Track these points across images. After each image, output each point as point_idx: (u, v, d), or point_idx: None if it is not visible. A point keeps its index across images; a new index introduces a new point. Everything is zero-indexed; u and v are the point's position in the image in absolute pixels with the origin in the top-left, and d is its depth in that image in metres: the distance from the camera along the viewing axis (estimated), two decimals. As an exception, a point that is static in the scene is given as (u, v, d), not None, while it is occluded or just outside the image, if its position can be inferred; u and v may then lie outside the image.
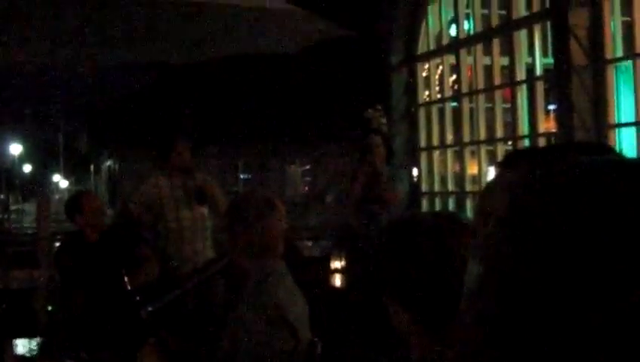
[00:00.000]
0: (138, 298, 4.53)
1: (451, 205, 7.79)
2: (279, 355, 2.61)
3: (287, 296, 2.76)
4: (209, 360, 2.84)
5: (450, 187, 7.91)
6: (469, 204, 7.48)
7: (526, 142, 6.75)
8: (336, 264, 8.53)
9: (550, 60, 6.59)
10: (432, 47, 8.15)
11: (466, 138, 7.61)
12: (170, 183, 5.53)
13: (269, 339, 2.61)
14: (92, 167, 34.88)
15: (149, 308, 2.90)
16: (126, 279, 4.65)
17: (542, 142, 6.60)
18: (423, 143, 8.24)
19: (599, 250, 0.56)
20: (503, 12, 7.18)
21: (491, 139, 7.29)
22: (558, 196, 0.59)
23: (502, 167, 0.79)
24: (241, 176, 24.64)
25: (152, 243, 5.35)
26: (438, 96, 8.21)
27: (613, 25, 5.91)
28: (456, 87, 7.95)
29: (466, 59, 7.65)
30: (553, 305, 0.56)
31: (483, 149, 7.39)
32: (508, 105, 7.12)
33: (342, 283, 8.17)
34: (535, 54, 6.64)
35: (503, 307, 0.59)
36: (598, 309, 0.55)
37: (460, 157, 7.73)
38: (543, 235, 0.58)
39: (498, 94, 7.25)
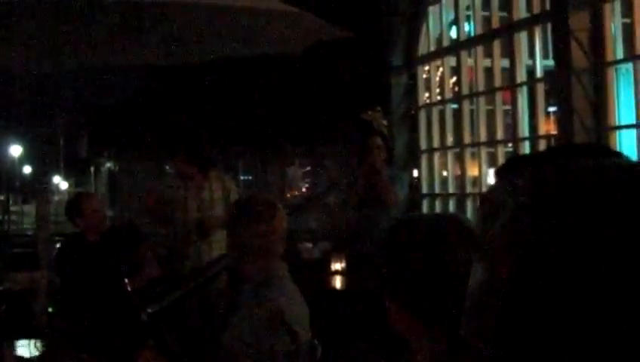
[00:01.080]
0: (138, 300, 4.53)
1: (452, 207, 7.78)
2: (279, 357, 2.61)
3: (287, 298, 2.76)
4: (209, 361, 2.83)
5: (451, 189, 7.90)
6: (469, 206, 7.47)
7: (526, 144, 6.75)
8: (337, 266, 8.53)
9: (550, 62, 6.58)
10: (432, 49, 8.14)
11: (467, 140, 7.60)
12: (184, 184, 5.64)
13: (269, 341, 2.61)
14: (92, 168, 34.84)
15: (150, 310, 2.91)
16: (126, 280, 4.65)
17: (542, 144, 6.59)
18: (423, 145, 8.23)
19: (622, 254, 0.55)
20: (504, 14, 7.17)
21: (492, 141, 7.28)
22: (579, 199, 0.59)
23: (503, 172, 0.76)
24: (242, 178, 24.64)
25: (160, 241, 5.44)
26: (439, 98, 8.20)
27: (614, 27, 5.90)
28: (456, 88, 7.93)
29: (467, 61, 7.64)
30: (565, 306, 0.56)
31: (483, 151, 7.37)
32: (508, 107, 7.11)
33: (342, 285, 8.17)
34: (535, 56, 6.64)
35: (509, 311, 0.58)
36: (616, 313, 0.54)
37: (460, 159, 7.72)
38: (560, 240, 0.58)
39: (498, 96, 7.23)
